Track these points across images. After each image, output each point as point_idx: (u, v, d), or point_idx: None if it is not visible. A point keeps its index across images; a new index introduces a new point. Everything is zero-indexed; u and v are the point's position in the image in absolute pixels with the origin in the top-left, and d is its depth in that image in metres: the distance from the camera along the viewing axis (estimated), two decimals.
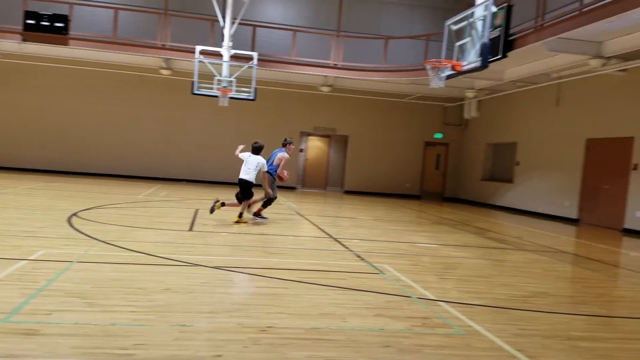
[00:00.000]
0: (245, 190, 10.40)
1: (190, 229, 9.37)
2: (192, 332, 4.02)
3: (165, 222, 10.18)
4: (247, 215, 10.80)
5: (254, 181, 10.43)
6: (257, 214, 11.12)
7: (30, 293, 4.66)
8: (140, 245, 7.31)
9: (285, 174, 11.22)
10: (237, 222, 10.32)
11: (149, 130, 21.97)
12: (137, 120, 21.93)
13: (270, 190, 10.88)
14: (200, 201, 14.45)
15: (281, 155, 11.30)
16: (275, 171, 11.14)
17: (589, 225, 15.60)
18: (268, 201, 11.14)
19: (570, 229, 14.63)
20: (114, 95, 21.68)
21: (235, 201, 10.62)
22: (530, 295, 6.06)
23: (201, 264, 6.42)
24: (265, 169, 10.54)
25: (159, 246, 7.42)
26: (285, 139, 11.60)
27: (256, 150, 10.65)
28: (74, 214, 9.93)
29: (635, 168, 14.10)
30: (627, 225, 14.18)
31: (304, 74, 20.26)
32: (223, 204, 10.37)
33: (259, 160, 10.48)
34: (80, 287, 5.00)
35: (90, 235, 7.83)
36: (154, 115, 21.99)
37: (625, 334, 4.89)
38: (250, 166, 10.42)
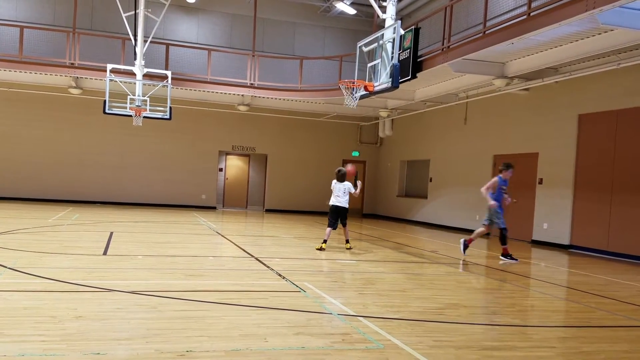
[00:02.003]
0: (342, 215, 11.43)
1: (105, 253, 9.03)
2: None
3: (78, 246, 9.79)
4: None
5: (346, 206, 11.51)
6: (506, 254, 11.00)
7: None
8: (51, 272, 7.01)
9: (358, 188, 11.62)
10: (349, 248, 11.39)
11: (59, 152, 21.03)
12: (47, 142, 20.95)
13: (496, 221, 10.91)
14: (114, 224, 13.93)
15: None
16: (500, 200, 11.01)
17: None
18: (503, 235, 11.04)
19: (482, 242, 15.27)
20: (21, 116, 20.66)
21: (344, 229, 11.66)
22: (444, 307, 6.26)
23: (116, 289, 6.19)
24: (352, 191, 11.45)
25: (71, 272, 7.12)
26: (503, 164, 11.41)
27: (341, 177, 11.59)
28: None
29: (540, 182, 14.99)
30: (535, 237, 15.02)
31: (220, 93, 20.16)
32: (347, 241, 11.65)
33: (345, 185, 11.50)
34: None
35: None
36: (64, 135, 21.10)
37: (537, 342, 5.10)
38: (339, 192, 11.45)
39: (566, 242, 13.93)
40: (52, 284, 6.33)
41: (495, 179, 11.11)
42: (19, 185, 20.59)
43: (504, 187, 11.11)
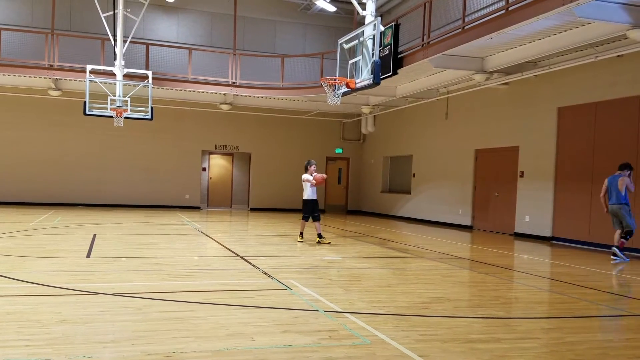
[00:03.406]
0: (305, 208, 12.05)
1: (88, 256, 8.95)
2: None
3: (61, 249, 9.73)
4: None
5: (306, 197, 12.07)
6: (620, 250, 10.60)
7: None
8: (33, 276, 6.95)
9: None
10: (318, 242, 11.79)
11: (40, 154, 20.76)
12: (26, 144, 20.66)
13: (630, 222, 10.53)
14: (97, 226, 13.80)
15: None
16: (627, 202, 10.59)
17: (482, 231, 16.54)
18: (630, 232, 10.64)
19: (466, 235, 15.43)
20: (0, 119, 20.33)
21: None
22: (430, 302, 6.31)
23: (100, 291, 6.14)
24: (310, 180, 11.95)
25: (54, 275, 7.06)
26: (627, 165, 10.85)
27: (305, 169, 12.26)
28: None
29: (522, 175, 15.14)
30: (518, 229, 15.18)
31: (202, 92, 20.06)
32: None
33: (304, 177, 12.12)
34: None
35: None
36: (44, 138, 20.84)
37: (521, 333, 5.16)
38: (304, 185, 12.11)
39: (548, 234, 14.10)
40: (35, 288, 6.27)
41: (626, 179, 10.59)
42: None
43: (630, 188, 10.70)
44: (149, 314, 5.26)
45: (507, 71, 14.09)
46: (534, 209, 14.61)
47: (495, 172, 16.35)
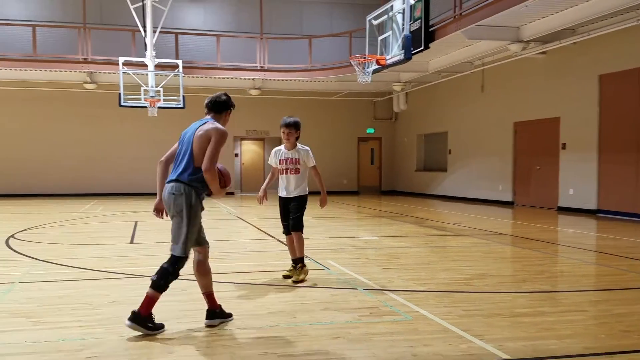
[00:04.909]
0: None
1: (131, 242, 9.22)
2: (142, 341, 4.00)
3: (105, 236, 10.09)
4: None
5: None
6: None
7: None
8: (82, 262, 7.17)
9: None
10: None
11: (80, 147, 21.18)
12: (66, 138, 21.12)
13: None
14: (138, 214, 14.05)
15: None
16: None
17: (524, 206, 16.15)
18: None
19: (506, 211, 15.09)
20: (40, 114, 20.84)
21: None
22: (471, 278, 6.16)
23: (144, 274, 6.22)
24: None
25: (101, 261, 7.27)
26: None
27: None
28: (11, 236, 9.63)
29: (564, 147, 14.67)
30: (561, 203, 14.74)
31: (231, 78, 20.06)
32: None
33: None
34: (26, 306, 4.92)
35: (30, 255, 7.67)
36: (83, 131, 21.22)
37: (567, 306, 5.01)
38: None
39: (593, 207, 13.66)
40: (84, 273, 6.48)
41: None
42: (44, 182, 20.80)
43: None
44: (192, 295, 5.34)
45: (544, 40, 13.62)
46: (578, 181, 14.16)
47: (536, 145, 15.88)
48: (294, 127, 6.10)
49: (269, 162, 6.33)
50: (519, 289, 5.71)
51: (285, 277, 6.03)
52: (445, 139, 20.49)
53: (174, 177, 4.21)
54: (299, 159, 6.04)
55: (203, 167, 4.12)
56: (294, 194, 6.04)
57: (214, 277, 6.21)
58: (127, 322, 4.04)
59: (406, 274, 6.40)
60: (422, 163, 22.65)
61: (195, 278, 4.49)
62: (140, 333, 4.07)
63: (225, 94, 4.60)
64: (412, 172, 22.89)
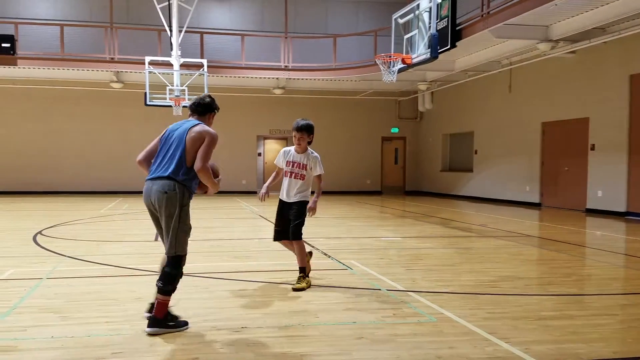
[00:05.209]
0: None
1: (156, 239, 9.20)
2: (167, 337, 4.03)
3: (131, 234, 10.21)
4: None
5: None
6: None
7: (4, 311, 4.63)
8: (108, 258, 7.26)
9: None
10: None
11: (105, 145, 21.43)
12: (92, 136, 21.42)
13: None
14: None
15: None
16: None
17: (551, 208, 15.86)
18: None
19: (533, 213, 14.84)
20: (67, 113, 21.15)
21: None
22: (498, 280, 6.05)
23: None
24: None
25: (126, 258, 7.35)
26: None
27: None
28: (39, 232, 9.77)
29: (593, 148, 14.37)
30: (590, 205, 14.44)
31: (255, 77, 20.11)
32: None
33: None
34: (53, 302, 4.98)
35: (57, 251, 7.77)
36: (109, 129, 21.49)
37: (595, 310, 4.90)
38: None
39: (622, 209, 13.34)
40: (110, 269, 6.56)
41: None
42: (71, 179, 21.12)
43: None
44: (216, 292, 5.40)
45: (573, 39, 13.34)
46: (607, 183, 13.86)
47: (564, 146, 15.59)
48: (306, 131, 5.68)
49: (275, 162, 6.00)
50: (546, 291, 5.58)
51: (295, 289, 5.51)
52: (472, 139, 20.25)
53: (164, 175, 4.17)
54: (306, 165, 5.69)
55: (197, 166, 4.14)
56: (293, 199, 5.67)
57: (238, 275, 6.28)
58: (148, 330, 4.05)
59: (430, 275, 6.31)
60: (447, 163, 22.43)
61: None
62: (159, 332, 4.09)
63: (209, 96, 4.61)
64: (437, 172, 22.68)
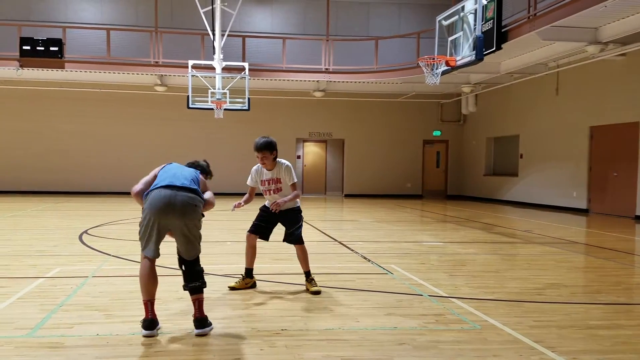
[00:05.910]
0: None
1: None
2: (208, 338, 4.10)
3: None
4: None
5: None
6: None
7: (51, 309, 4.75)
8: None
9: None
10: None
11: (148, 148, 21.81)
12: (136, 138, 21.83)
13: None
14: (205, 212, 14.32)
15: None
16: None
17: (599, 214, 15.37)
18: None
19: (580, 219, 14.42)
20: (111, 115, 21.61)
21: None
22: (543, 288, 5.89)
23: (211, 272, 6.31)
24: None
25: (167, 257, 7.29)
26: None
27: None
28: (85, 232, 10.02)
29: None
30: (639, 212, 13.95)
31: (296, 80, 20.18)
32: None
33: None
34: (99, 300, 5.12)
35: (102, 251, 7.95)
36: (152, 132, 21.88)
37: None
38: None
39: None
40: None
41: None
42: (116, 181, 21.52)
43: None
44: (256, 294, 5.44)
45: (623, 41, 12.89)
46: None
47: (614, 150, 15.09)
48: (267, 150, 5.53)
49: (247, 183, 5.95)
50: (594, 300, 5.41)
51: (232, 288, 5.63)
52: (517, 142, 19.81)
53: (191, 187, 4.42)
54: (280, 178, 5.66)
55: (208, 199, 4.63)
56: (283, 208, 5.69)
57: (279, 278, 6.28)
58: (197, 331, 4.13)
59: (474, 281, 6.19)
60: (492, 167, 22.01)
61: (143, 284, 4.31)
62: (208, 332, 4.18)
63: (205, 161, 5.34)
64: (480, 176, 22.28)
